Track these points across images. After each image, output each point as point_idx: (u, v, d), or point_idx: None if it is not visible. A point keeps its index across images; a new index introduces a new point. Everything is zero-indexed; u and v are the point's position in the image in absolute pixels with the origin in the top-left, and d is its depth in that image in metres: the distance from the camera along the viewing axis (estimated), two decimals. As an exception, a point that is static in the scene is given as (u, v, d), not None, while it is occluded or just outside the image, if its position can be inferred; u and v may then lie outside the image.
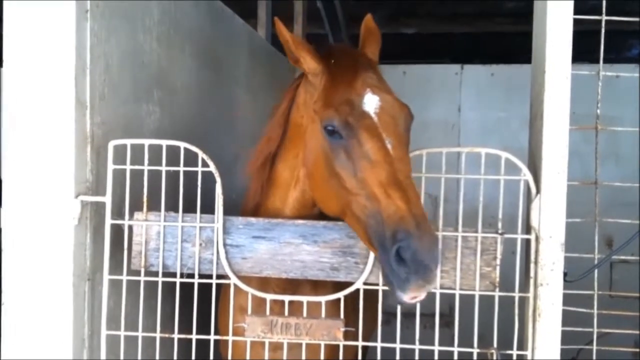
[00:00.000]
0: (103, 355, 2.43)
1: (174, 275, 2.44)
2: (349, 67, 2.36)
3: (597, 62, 2.45)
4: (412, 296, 2.03)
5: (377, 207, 2.10)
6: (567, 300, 2.29)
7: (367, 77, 2.32)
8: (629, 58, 10.05)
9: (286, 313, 2.45)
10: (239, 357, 2.48)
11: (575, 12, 2.27)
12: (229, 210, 2.45)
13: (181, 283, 2.43)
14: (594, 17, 2.40)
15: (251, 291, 2.41)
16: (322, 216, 2.48)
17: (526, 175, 2.28)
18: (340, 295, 2.38)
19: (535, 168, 2.34)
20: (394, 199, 2.06)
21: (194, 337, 2.43)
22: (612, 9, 2.39)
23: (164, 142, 2.43)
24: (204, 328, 2.46)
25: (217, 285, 2.47)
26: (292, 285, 2.60)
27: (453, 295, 2.33)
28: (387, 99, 2.29)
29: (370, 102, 2.26)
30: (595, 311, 2.41)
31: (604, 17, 2.41)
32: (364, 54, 2.52)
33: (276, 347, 2.50)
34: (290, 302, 2.45)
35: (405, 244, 1.98)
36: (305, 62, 2.44)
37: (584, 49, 3.22)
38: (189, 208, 2.46)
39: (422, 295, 2.06)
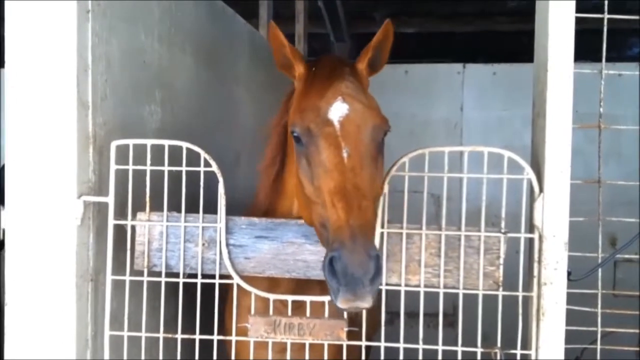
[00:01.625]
0: (106, 355, 2.42)
1: (177, 275, 2.44)
2: (326, 75, 2.34)
3: (600, 60, 2.45)
4: (344, 307, 1.99)
5: (326, 216, 2.09)
6: (570, 299, 2.28)
7: (341, 86, 2.28)
8: (631, 57, 10.04)
9: (291, 314, 2.43)
10: (248, 358, 2.47)
11: (577, 11, 2.26)
12: (231, 210, 2.45)
13: (184, 283, 2.43)
14: (596, 16, 2.40)
15: (254, 291, 2.41)
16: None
17: (529, 174, 2.28)
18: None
19: (538, 167, 2.34)
20: (337, 208, 2.03)
21: (197, 337, 2.43)
22: (613, 7, 2.39)
23: (166, 142, 2.42)
24: (207, 328, 2.46)
25: (223, 285, 2.46)
26: (302, 287, 2.60)
27: (457, 294, 2.33)
28: (356, 108, 2.24)
29: (337, 111, 2.22)
30: (599, 310, 2.41)
31: (606, 16, 2.41)
32: (348, 63, 2.47)
33: (284, 348, 2.49)
34: (299, 304, 2.44)
35: (337, 254, 1.94)
36: (297, 68, 2.46)
37: (586, 47, 3.21)
38: (192, 208, 2.45)
39: (359, 308, 2.00)
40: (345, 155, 2.14)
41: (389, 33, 2.36)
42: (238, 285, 2.42)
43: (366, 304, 1.95)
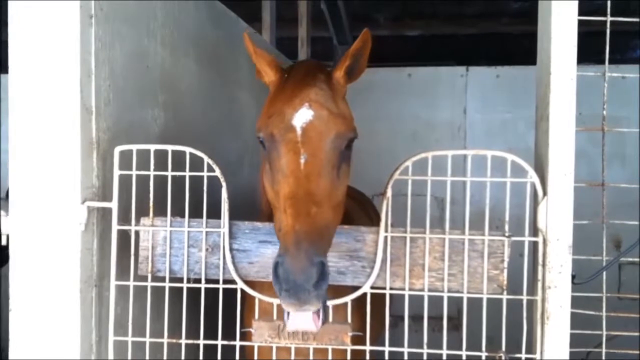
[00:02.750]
0: (110, 360, 2.43)
1: (180, 280, 2.44)
2: (297, 81, 2.35)
3: (603, 63, 2.44)
4: (290, 310, 2.01)
5: (279, 221, 2.12)
6: (575, 302, 2.27)
7: (310, 92, 2.28)
8: (634, 59, 10.04)
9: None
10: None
11: (580, 13, 2.26)
12: (235, 214, 2.45)
13: (188, 288, 2.43)
14: (599, 18, 2.39)
15: (258, 296, 2.40)
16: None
17: (533, 177, 2.27)
18: (347, 299, 2.37)
19: (541, 170, 2.33)
20: (287, 214, 2.05)
21: (202, 342, 2.42)
22: (615, 9, 2.38)
23: (170, 147, 2.42)
24: (212, 333, 2.45)
25: (234, 291, 2.45)
26: None
27: (461, 298, 2.32)
28: (321, 115, 2.23)
29: (301, 117, 2.22)
30: (604, 313, 2.40)
31: (609, 18, 2.40)
32: (324, 70, 2.46)
33: (297, 353, 2.48)
34: None
35: (281, 260, 1.96)
36: (266, 74, 2.48)
37: (589, 50, 3.21)
38: (196, 213, 2.45)
39: (305, 312, 2.02)
40: (302, 161, 2.15)
41: (367, 41, 2.35)
42: (238, 289, 2.42)
43: (312, 306, 1.99)
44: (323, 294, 1.99)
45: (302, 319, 2.10)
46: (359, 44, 2.35)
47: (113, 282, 2.43)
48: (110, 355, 2.43)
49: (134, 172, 2.41)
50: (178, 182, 2.44)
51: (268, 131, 2.26)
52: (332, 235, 2.23)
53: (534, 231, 2.32)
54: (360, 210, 3.63)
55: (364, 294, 2.36)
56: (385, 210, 2.33)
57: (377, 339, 2.81)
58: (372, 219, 3.75)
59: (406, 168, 2.31)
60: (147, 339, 2.44)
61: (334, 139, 2.23)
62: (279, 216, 2.14)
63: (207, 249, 2.44)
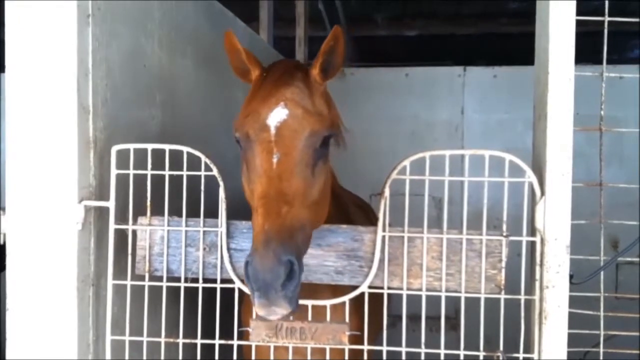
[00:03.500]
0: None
1: (178, 280, 2.43)
2: (274, 80, 2.34)
3: (600, 63, 2.44)
4: (262, 313, 2.01)
5: (253, 220, 2.13)
6: (573, 302, 2.27)
7: (286, 91, 2.27)
8: (632, 59, 10.06)
9: (309, 317, 2.41)
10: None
11: (578, 13, 2.26)
12: (232, 214, 2.45)
13: (186, 288, 2.43)
14: (597, 18, 2.39)
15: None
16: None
17: (530, 177, 2.27)
18: (345, 299, 2.37)
19: (539, 170, 2.33)
20: (258, 213, 2.06)
21: (199, 341, 2.42)
22: (613, 9, 2.38)
23: (167, 147, 2.42)
24: (210, 332, 2.45)
25: (231, 290, 2.44)
26: (312, 291, 2.59)
27: (458, 298, 2.32)
28: (296, 113, 2.23)
29: (275, 116, 2.23)
30: (602, 313, 2.40)
31: (607, 18, 2.40)
32: (303, 69, 2.45)
33: (295, 352, 2.48)
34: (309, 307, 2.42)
35: (250, 259, 1.97)
36: (253, 73, 2.47)
37: (587, 50, 3.21)
38: (193, 212, 2.45)
39: (276, 314, 2.02)
40: (275, 160, 2.16)
41: (338, 38, 2.34)
42: (235, 289, 2.42)
43: (281, 309, 1.99)
44: (292, 295, 1.98)
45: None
46: (329, 41, 2.33)
47: (110, 282, 2.43)
48: (108, 354, 2.42)
49: (131, 172, 2.41)
50: (175, 181, 2.43)
51: (244, 131, 2.26)
52: (308, 234, 2.21)
53: (532, 231, 2.32)
54: (365, 220, 3.62)
55: (362, 294, 2.36)
56: (383, 209, 2.33)
57: (376, 339, 2.81)
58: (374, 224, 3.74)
59: (404, 168, 2.31)
60: (145, 339, 2.44)
61: (308, 137, 2.23)
62: (253, 215, 2.15)
63: (204, 249, 2.44)
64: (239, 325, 2.46)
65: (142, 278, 2.45)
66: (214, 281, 2.42)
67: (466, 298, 2.31)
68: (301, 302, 2.40)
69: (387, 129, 6.36)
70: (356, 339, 2.42)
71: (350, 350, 2.39)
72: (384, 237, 2.33)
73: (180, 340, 2.42)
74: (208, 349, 2.47)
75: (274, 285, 1.93)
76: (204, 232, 2.44)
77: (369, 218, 3.83)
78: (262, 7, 6.54)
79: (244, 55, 2.43)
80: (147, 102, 2.99)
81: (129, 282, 2.43)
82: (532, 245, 2.33)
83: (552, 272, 2.25)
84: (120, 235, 2.46)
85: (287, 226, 2.04)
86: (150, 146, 2.42)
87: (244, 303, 2.57)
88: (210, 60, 3.85)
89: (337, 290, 2.53)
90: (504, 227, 2.30)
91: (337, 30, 2.33)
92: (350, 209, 3.28)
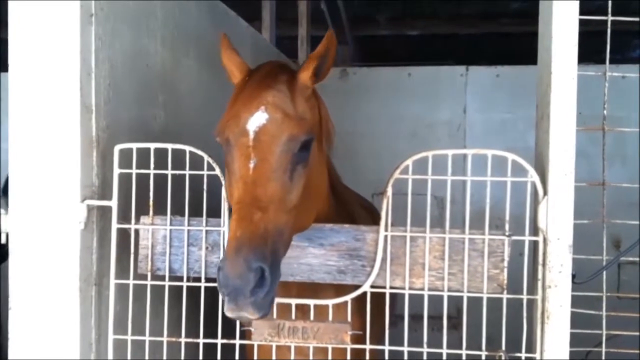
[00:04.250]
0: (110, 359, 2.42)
1: (180, 279, 2.44)
2: (257, 83, 2.31)
3: (603, 62, 2.44)
4: (231, 315, 2.01)
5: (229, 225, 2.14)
6: (575, 302, 2.27)
7: (267, 95, 2.24)
8: (635, 58, 10.05)
9: (311, 317, 2.41)
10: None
11: (581, 13, 2.25)
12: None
13: (188, 287, 2.43)
14: (600, 18, 2.39)
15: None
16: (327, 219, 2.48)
17: (533, 176, 2.27)
18: (347, 298, 2.37)
19: (542, 169, 2.33)
20: (233, 219, 2.05)
21: (201, 341, 2.42)
22: (616, 9, 2.38)
23: (170, 146, 2.42)
24: (212, 332, 2.45)
25: None
26: (314, 290, 2.59)
27: (461, 297, 2.32)
28: (276, 118, 2.20)
29: (255, 120, 2.19)
30: (604, 313, 2.40)
31: (610, 18, 2.40)
32: (288, 71, 2.42)
33: (297, 352, 2.48)
34: (316, 307, 2.42)
35: (222, 265, 1.97)
36: (233, 75, 2.45)
37: (589, 49, 3.21)
38: (195, 211, 2.45)
39: (247, 318, 2.02)
40: (251, 166, 2.14)
41: (332, 43, 2.34)
42: None
43: (249, 315, 1.98)
44: (261, 303, 1.97)
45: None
46: (324, 46, 2.33)
47: (113, 281, 2.43)
48: (110, 354, 2.43)
49: (134, 171, 2.41)
50: (178, 180, 2.44)
51: (224, 136, 2.24)
52: (286, 240, 2.18)
53: (534, 230, 2.32)
54: (370, 221, 3.61)
55: (364, 293, 2.36)
56: (386, 209, 2.33)
57: (380, 339, 2.81)
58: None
59: (406, 167, 2.30)
60: (147, 338, 2.44)
61: (285, 142, 2.19)
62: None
63: (207, 248, 2.44)
64: (241, 325, 2.46)
65: (144, 277, 2.46)
66: (216, 280, 2.42)
67: (468, 297, 2.31)
68: (303, 301, 2.41)
69: (389, 129, 6.36)
70: (358, 339, 2.42)
71: (353, 350, 2.39)
72: (386, 236, 2.33)
73: (183, 340, 2.42)
74: (210, 349, 2.47)
75: (243, 292, 1.92)
76: (207, 231, 2.44)
77: (373, 219, 3.83)
78: (265, 7, 6.54)
79: (230, 58, 2.43)
80: (150, 101, 2.99)
81: (131, 282, 2.44)
82: (534, 245, 2.33)
83: (554, 272, 2.24)
84: (123, 235, 2.46)
85: (260, 233, 2.01)
86: (152, 145, 2.42)
87: None
88: (213, 59, 3.84)
89: (340, 289, 2.53)
90: (507, 227, 2.30)
91: (330, 35, 2.33)
92: (354, 208, 3.27)
